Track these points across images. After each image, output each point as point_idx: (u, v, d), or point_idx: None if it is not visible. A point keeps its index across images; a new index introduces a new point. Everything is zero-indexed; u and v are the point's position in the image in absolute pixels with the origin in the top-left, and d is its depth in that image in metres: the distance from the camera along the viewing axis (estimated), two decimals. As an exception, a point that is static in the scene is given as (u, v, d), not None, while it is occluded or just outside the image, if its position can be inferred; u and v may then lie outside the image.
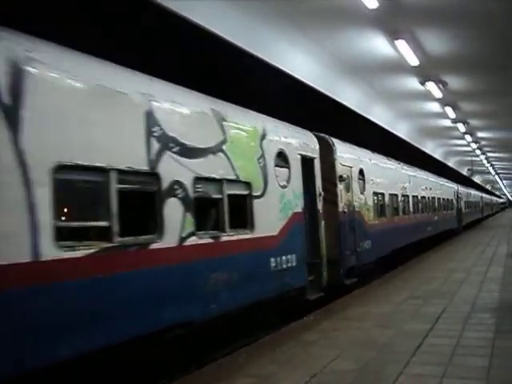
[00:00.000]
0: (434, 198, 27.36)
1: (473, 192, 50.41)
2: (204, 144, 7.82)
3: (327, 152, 12.47)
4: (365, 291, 13.17)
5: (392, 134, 24.91)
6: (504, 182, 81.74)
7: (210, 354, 7.94)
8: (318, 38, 12.57)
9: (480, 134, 29.34)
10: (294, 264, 10.16)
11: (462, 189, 40.45)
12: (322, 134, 12.75)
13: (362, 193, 14.60)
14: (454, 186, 36.48)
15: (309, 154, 11.42)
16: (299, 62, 13.45)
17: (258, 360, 7.40)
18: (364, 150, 16.12)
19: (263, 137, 9.58)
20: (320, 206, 11.84)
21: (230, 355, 7.77)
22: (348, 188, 13.38)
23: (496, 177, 67.37)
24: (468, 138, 29.70)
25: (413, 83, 16.93)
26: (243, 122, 9.15)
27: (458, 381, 6.20)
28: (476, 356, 7.08)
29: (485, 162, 44.81)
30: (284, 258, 9.85)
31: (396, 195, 19.11)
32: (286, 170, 10.32)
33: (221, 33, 10.21)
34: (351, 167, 13.75)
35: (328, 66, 14.60)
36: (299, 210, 10.66)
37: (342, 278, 12.58)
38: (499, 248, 23.40)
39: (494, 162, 47.60)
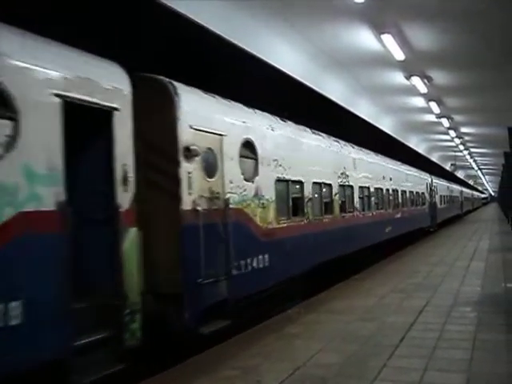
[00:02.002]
0: (396, 190, 22.29)
1: (450, 185, 46.65)
2: None
3: (160, 104, 7.71)
4: (348, 285, 13.23)
5: (375, 127, 24.75)
6: (486, 177, 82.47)
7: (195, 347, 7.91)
8: (305, 31, 12.53)
9: (463, 130, 29.53)
10: (14, 321, 4.93)
11: (436, 181, 36.21)
12: (156, 76, 7.89)
13: (249, 180, 9.47)
14: (426, 177, 31.97)
15: (95, 101, 6.17)
16: (285, 54, 13.40)
17: (241, 353, 7.41)
18: (259, 111, 10.71)
19: None
20: (126, 199, 6.52)
21: (213, 348, 7.76)
22: (211, 170, 8.29)
23: (478, 172, 67.93)
24: (452, 133, 29.87)
25: (398, 78, 16.96)
26: None
27: (440, 373, 6.28)
28: (458, 349, 7.17)
29: (468, 157, 45.14)
30: None
31: (328, 185, 13.67)
32: None
33: (206, 24, 10.13)
34: (221, 135, 8.56)
35: (314, 59, 14.57)
36: (42, 207, 5.40)
37: (190, 324, 7.47)
38: (481, 243, 23.65)
39: (476, 158, 47.97)
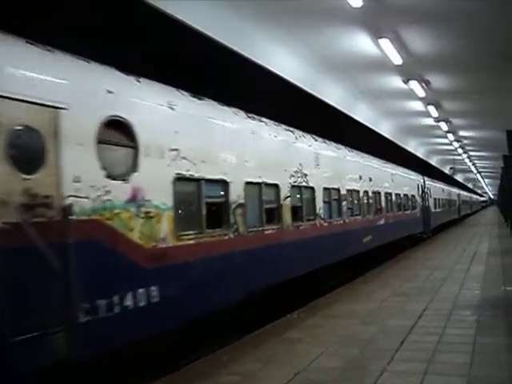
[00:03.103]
0: (377, 192, 19.21)
1: (446, 187, 44.06)
2: None
3: None
4: (348, 289, 13.24)
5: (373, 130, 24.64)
6: (486, 180, 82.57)
7: (195, 352, 7.93)
8: (302, 36, 12.57)
9: (462, 133, 29.59)
10: None
11: (430, 183, 33.52)
12: None
13: (119, 177, 6.50)
14: (418, 178, 29.23)
15: None
16: (283, 60, 13.45)
17: (241, 358, 7.42)
18: (147, 80, 7.57)
19: None
20: None
21: (214, 353, 7.78)
22: (31, 162, 5.48)
23: (478, 175, 68.01)
24: (450, 136, 29.92)
25: (396, 82, 17.01)
26: None
27: (440, 377, 6.28)
28: (458, 353, 7.16)
29: (467, 160, 45.19)
30: None
31: (272, 187, 10.64)
32: None
33: (205, 30, 10.19)
34: (57, 108, 5.73)
35: (312, 64, 14.61)
36: None
37: None
38: (480, 246, 23.67)
39: (475, 161, 48.05)
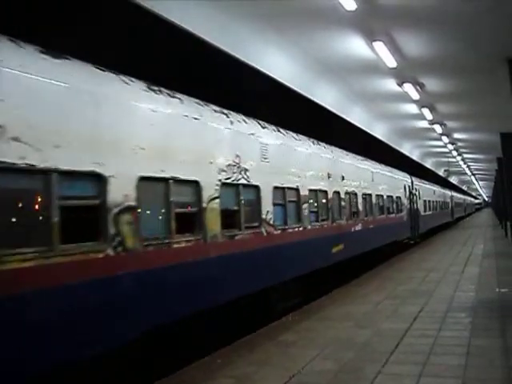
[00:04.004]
0: (352, 193, 16.71)
1: (438, 189, 42.06)
2: None
3: None
4: (343, 291, 13.24)
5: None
6: (480, 182, 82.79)
7: (188, 355, 7.90)
8: (296, 39, 12.57)
9: (456, 136, 29.62)
10: None
11: (419, 183, 31.29)
12: None
13: None
14: (405, 178, 27.09)
15: None
16: (276, 62, 13.45)
17: (236, 361, 7.41)
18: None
19: None
20: None
21: (209, 356, 7.76)
22: None
23: (472, 177, 68.16)
24: (445, 139, 29.95)
25: (390, 85, 17.02)
26: None
27: (434, 380, 6.29)
28: (453, 355, 7.17)
29: (461, 163, 45.25)
30: None
31: (190, 184, 8.16)
32: None
33: (197, 32, 10.18)
34: None
35: (305, 67, 14.62)
36: None
37: None
38: (475, 248, 23.74)
39: (470, 163, 48.13)
